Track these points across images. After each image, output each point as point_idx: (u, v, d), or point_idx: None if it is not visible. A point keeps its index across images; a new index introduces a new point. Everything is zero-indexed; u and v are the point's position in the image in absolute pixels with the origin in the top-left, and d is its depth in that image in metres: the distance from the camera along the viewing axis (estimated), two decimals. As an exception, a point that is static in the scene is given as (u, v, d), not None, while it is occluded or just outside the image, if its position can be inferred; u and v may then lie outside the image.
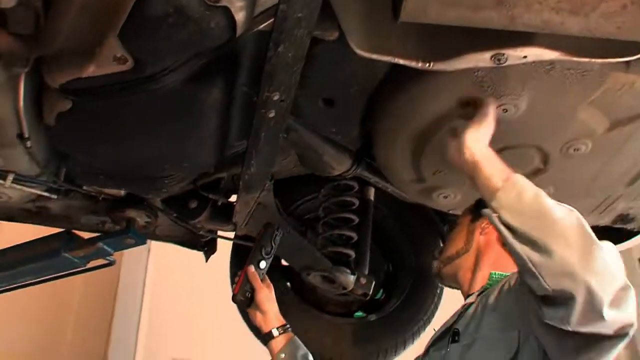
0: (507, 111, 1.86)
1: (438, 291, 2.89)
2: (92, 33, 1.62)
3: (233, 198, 2.48)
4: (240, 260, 2.82)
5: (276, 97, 1.75)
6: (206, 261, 3.02)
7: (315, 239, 2.59)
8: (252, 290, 2.29)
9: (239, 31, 1.60)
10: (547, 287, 1.45)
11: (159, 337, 5.21)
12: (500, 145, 2.00)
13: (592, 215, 2.46)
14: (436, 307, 2.89)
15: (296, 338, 2.30)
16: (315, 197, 2.65)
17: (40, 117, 1.92)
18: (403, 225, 2.62)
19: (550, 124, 1.94)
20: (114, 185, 2.29)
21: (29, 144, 1.94)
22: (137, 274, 5.31)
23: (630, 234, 2.90)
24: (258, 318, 2.30)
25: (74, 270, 2.74)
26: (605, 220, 2.54)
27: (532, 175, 2.14)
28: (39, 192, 2.29)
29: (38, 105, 1.90)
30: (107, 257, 2.69)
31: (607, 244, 1.53)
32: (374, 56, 1.64)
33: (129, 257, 5.25)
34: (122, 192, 2.40)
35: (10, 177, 2.13)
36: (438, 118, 1.95)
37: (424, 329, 2.83)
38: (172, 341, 5.26)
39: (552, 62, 1.71)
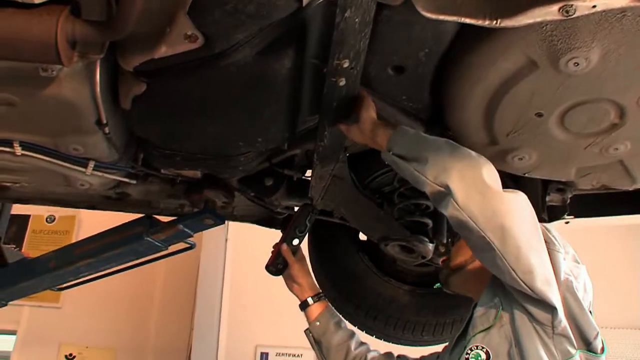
0: (578, 65, 1.79)
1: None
2: (162, 14, 1.67)
3: (308, 174, 2.52)
4: (318, 235, 2.83)
5: (346, 65, 1.76)
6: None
7: (392, 210, 2.58)
8: (285, 264, 2.59)
9: (305, 1, 1.62)
10: (429, 181, 1.83)
11: (242, 326, 5.26)
12: (573, 100, 1.96)
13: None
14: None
15: (330, 306, 2.52)
16: (391, 170, 2.65)
17: (116, 102, 1.98)
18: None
19: (626, 75, 1.86)
20: (190, 166, 2.33)
21: (107, 130, 2.00)
22: (216, 265, 5.36)
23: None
24: (295, 288, 2.61)
25: (157, 256, 2.82)
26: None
27: (608, 131, 2.08)
28: (119, 178, 2.37)
29: (114, 90, 1.96)
30: (188, 241, 2.75)
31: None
32: (441, 17, 1.63)
33: (208, 247, 5.34)
34: (199, 174, 2.44)
35: (91, 164, 2.20)
36: (509, 77, 1.91)
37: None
38: (255, 329, 5.30)
39: (623, 10, 1.64)
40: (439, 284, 2.81)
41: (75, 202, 2.71)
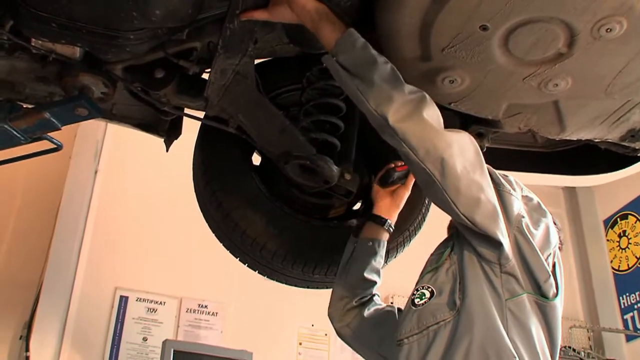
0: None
1: (426, 201, 2.61)
2: None
3: (205, 76, 2.20)
4: (209, 144, 2.48)
5: None
6: (167, 150, 2.69)
7: (297, 128, 2.28)
8: (397, 182, 2.38)
9: None
10: (371, 107, 1.80)
11: (103, 265, 4.86)
12: (525, 16, 1.77)
13: (603, 126, 2.22)
14: (424, 219, 2.61)
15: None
16: (299, 88, 2.37)
17: None
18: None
19: (589, -9, 1.68)
20: (68, 38, 1.93)
21: (-33, -25, 1.61)
22: (82, 197, 4.93)
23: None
24: (385, 201, 2.38)
25: (12, 158, 2.45)
26: (614, 134, 2.30)
27: (553, 61, 1.90)
28: (-22, 46, 1.96)
29: None
30: (54, 140, 2.36)
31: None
32: None
33: (74, 176, 4.94)
34: (77, 54, 2.05)
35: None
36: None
37: (410, 241, 2.57)
38: (116, 270, 4.92)
39: None
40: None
41: None
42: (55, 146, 2.41)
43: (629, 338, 5.96)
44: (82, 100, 2.07)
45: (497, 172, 1.99)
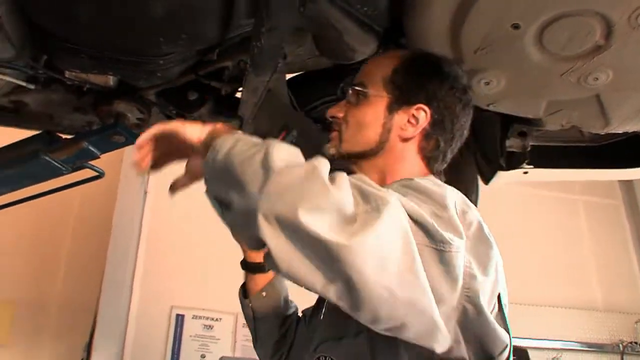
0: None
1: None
2: None
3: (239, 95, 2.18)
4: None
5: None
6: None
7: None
8: None
9: None
10: (248, 241, 1.32)
11: (157, 285, 4.91)
12: (557, 11, 1.71)
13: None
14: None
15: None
16: (335, 99, 2.33)
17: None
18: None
19: (621, -20, 1.62)
20: (98, 68, 1.95)
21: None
22: (132, 218, 4.99)
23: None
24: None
25: (58, 187, 2.48)
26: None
27: (590, 54, 1.83)
28: (15, 80, 1.99)
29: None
30: (96, 168, 2.38)
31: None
32: None
33: (123, 199, 4.97)
34: (111, 82, 2.07)
35: (-18, 59, 1.82)
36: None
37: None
38: (171, 289, 4.97)
39: None
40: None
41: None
42: (97, 174, 2.44)
43: (698, 330, 5.81)
44: (117, 127, 2.09)
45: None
